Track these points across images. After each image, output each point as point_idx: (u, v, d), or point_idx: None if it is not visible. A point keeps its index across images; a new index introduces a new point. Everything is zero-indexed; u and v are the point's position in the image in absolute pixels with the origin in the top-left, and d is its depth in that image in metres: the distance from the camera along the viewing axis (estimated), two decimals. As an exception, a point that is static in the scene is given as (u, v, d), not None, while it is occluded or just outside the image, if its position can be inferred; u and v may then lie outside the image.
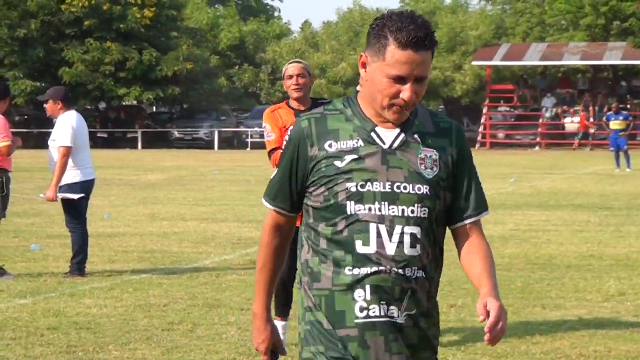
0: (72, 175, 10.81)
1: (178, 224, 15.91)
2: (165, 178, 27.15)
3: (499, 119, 52.37)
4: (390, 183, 3.21)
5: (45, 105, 11.08)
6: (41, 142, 40.16)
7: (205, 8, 62.49)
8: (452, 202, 3.31)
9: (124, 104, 55.34)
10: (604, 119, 32.23)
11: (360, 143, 3.24)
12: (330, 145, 3.25)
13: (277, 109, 7.58)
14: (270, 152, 7.41)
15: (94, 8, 50.44)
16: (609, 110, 35.52)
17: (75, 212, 10.87)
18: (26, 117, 51.64)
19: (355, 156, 3.22)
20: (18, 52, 49.38)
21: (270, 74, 60.70)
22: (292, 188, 3.33)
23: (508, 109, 53.79)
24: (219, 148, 50.32)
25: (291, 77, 7.52)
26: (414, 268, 3.21)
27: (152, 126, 55.34)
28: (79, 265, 10.82)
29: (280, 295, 7.52)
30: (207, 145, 50.86)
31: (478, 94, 53.82)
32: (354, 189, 3.20)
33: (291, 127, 3.34)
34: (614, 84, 52.88)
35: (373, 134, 3.25)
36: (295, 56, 55.70)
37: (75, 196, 10.76)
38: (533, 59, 51.73)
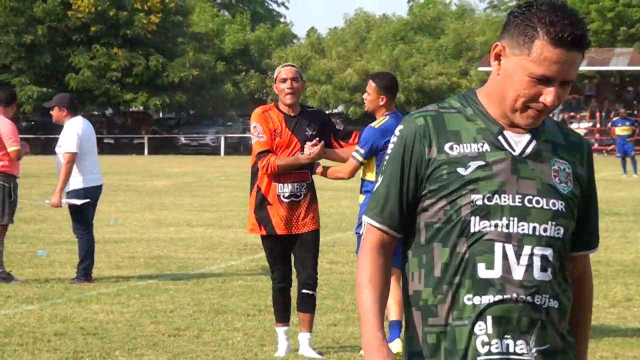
0: (77, 181, 10.84)
1: (184, 229, 15.93)
2: (172, 184, 27.18)
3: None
4: (520, 196, 2.74)
5: (51, 112, 11.11)
6: (48, 148, 40.24)
7: (212, 12, 62.55)
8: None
9: (131, 109, 55.43)
10: (609, 124, 32.17)
11: (486, 147, 2.76)
12: (451, 148, 2.76)
13: (268, 109, 7.43)
14: (260, 154, 7.29)
15: (100, 14, 50.55)
16: (616, 115, 35.50)
17: (82, 218, 10.89)
18: (32, 122, 51.76)
19: (481, 162, 2.74)
20: (25, 58, 49.51)
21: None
22: (403, 200, 2.80)
23: (514, 114, 53.75)
24: (225, 154, 50.37)
25: (284, 80, 7.37)
26: (544, 295, 2.73)
27: (158, 132, 55.43)
28: (85, 270, 10.84)
29: (281, 301, 7.55)
30: (213, 150, 50.92)
31: (484, 99, 53.82)
32: (479, 202, 2.72)
33: (398, 128, 2.84)
34: (620, 89, 52.84)
35: (501, 138, 2.77)
36: (302, 62, 55.77)
37: (79, 202, 10.79)
38: (539, 64, 51.66)
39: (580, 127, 50.57)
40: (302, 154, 7.35)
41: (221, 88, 54.92)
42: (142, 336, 8.12)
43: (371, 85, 7.68)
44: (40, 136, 48.03)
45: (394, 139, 2.84)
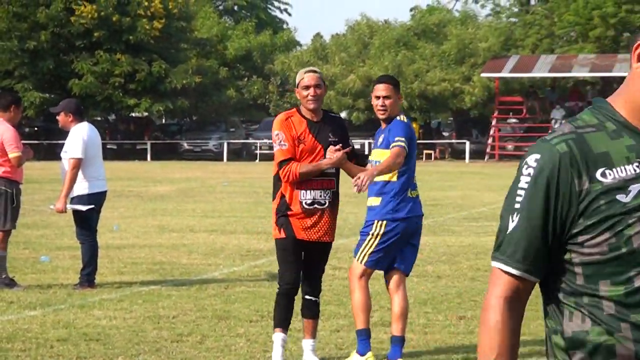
0: (82, 187, 10.84)
1: (187, 235, 15.94)
2: (174, 189, 27.20)
3: (508, 131, 52.40)
4: None
5: (57, 117, 11.13)
6: (51, 154, 40.29)
7: (216, 18, 62.66)
8: None
9: (133, 115, 55.51)
10: None
11: None
12: (603, 174, 2.43)
13: (290, 116, 7.30)
14: (282, 163, 7.20)
15: (103, 19, 50.60)
16: None
17: (85, 224, 10.90)
18: (36, 128, 51.81)
19: None
20: (27, 63, 49.55)
21: (279, 85, 60.80)
22: (548, 240, 2.47)
23: (517, 120, 53.80)
24: (228, 159, 50.38)
25: (308, 87, 7.23)
26: None
27: (161, 138, 55.48)
28: (88, 276, 10.85)
29: (284, 305, 7.40)
30: (216, 156, 50.94)
31: (487, 105, 53.85)
32: None
33: (533, 157, 2.48)
34: (623, 95, 52.83)
35: None
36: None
37: (84, 207, 10.79)
38: (542, 70, 51.74)
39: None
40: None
41: (224, 94, 54.96)
42: (144, 342, 8.13)
43: (389, 87, 7.39)
44: (43, 142, 48.09)
45: (528, 170, 2.47)
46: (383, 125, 7.49)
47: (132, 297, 10.19)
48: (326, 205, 7.31)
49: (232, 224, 17.67)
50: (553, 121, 50.87)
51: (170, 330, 8.56)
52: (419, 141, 53.07)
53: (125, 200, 23.16)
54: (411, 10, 64.17)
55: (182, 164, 46.35)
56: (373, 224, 7.40)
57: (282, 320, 7.45)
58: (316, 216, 7.29)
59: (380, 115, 7.43)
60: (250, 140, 53.02)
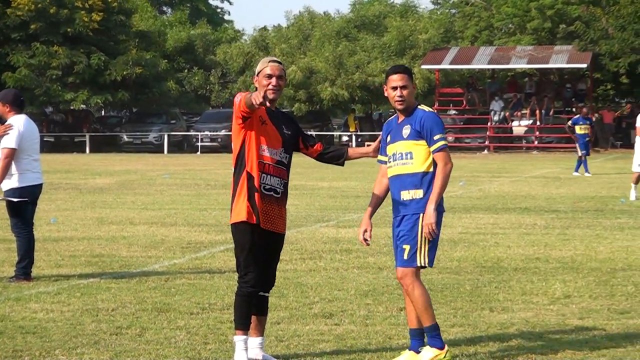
0: (14, 180, 10.72)
1: (127, 228, 15.81)
2: (114, 182, 26.96)
3: (448, 123, 52.75)
4: None
5: (-6, 108, 10.96)
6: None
7: (153, 13, 62.24)
8: None
9: (71, 107, 54.96)
10: (569, 122, 32.07)
11: None
12: None
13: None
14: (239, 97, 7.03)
15: (40, 11, 49.96)
16: (577, 114, 35.47)
17: (20, 217, 10.78)
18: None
19: None
20: (-38, 56, 48.78)
21: (220, 77, 60.55)
22: None
23: (457, 112, 54.20)
24: (169, 152, 50.07)
25: (270, 76, 7.10)
26: None
27: (100, 130, 54.97)
28: (24, 269, 10.72)
29: (247, 307, 7.10)
30: (157, 149, 50.60)
31: (427, 97, 54.14)
32: None
33: None
34: (559, 87, 53.51)
35: None
36: (246, 59, 55.62)
37: (15, 199, 10.68)
38: (481, 62, 52.16)
39: (520, 124, 51.15)
40: (282, 150, 7.14)
41: (164, 86, 54.62)
42: (83, 335, 8.04)
43: (404, 77, 7.11)
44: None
45: None
46: (401, 117, 7.20)
47: (70, 290, 10.08)
48: (279, 195, 7.18)
49: (172, 216, 17.56)
50: (492, 113, 51.33)
51: (109, 323, 8.48)
52: (359, 133, 53.34)
53: (63, 192, 22.89)
54: (351, 2, 64.24)
55: (122, 156, 45.95)
56: (418, 216, 7.09)
57: (245, 323, 7.14)
58: (274, 205, 7.15)
59: (399, 106, 7.16)
60: (192, 133, 52.75)
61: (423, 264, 7.14)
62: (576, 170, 29.81)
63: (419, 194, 7.13)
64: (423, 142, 7.12)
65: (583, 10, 51.33)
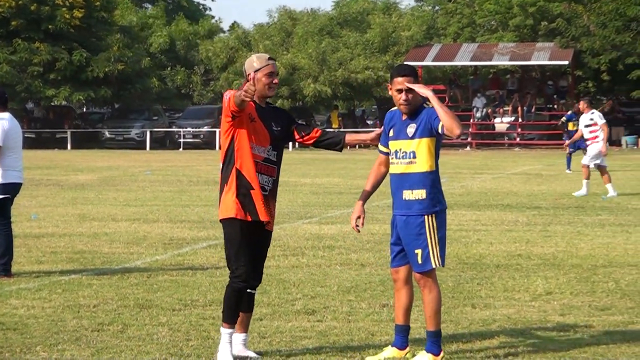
0: (-3, 176, 10.70)
1: (108, 224, 15.76)
2: (95, 178, 26.87)
3: (430, 119, 52.86)
4: None
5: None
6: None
7: (134, 9, 62.12)
8: None
9: (53, 104, 54.75)
10: (563, 118, 31.93)
11: None
12: None
13: None
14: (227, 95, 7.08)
15: (21, 8, 49.78)
16: (570, 110, 35.22)
17: (1, 214, 10.74)
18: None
19: None
20: (-59, 53, 48.49)
21: (202, 74, 60.44)
22: None
23: (439, 109, 54.19)
24: (151, 148, 49.95)
25: (272, 74, 7.19)
26: None
27: (82, 126, 54.79)
28: (4, 266, 10.68)
29: (236, 302, 7.15)
30: (139, 145, 50.48)
31: (410, 94, 54.15)
32: None
33: None
34: (541, 84, 53.67)
35: None
36: (229, 54, 55.54)
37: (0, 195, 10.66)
38: (464, 59, 52.27)
39: (503, 121, 51.27)
40: (270, 148, 7.19)
41: (147, 82, 54.49)
42: (64, 331, 8.02)
43: (410, 80, 7.04)
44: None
45: None
46: (404, 116, 7.16)
47: (51, 287, 10.04)
48: (268, 193, 7.23)
49: (154, 213, 17.52)
50: (474, 109, 51.45)
51: (90, 320, 8.45)
52: (342, 129, 53.33)
53: (44, 188, 22.81)
54: (334, 0, 64.22)
55: (103, 152, 45.82)
56: (423, 218, 7.10)
57: (233, 317, 7.18)
58: (265, 202, 7.20)
59: (404, 110, 7.11)
60: (174, 129, 52.63)
61: (437, 264, 7.15)
62: (568, 168, 29.78)
63: (422, 194, 7.14)
64: (427, 140, 7.10)
65: (565, 8, 51.48)
